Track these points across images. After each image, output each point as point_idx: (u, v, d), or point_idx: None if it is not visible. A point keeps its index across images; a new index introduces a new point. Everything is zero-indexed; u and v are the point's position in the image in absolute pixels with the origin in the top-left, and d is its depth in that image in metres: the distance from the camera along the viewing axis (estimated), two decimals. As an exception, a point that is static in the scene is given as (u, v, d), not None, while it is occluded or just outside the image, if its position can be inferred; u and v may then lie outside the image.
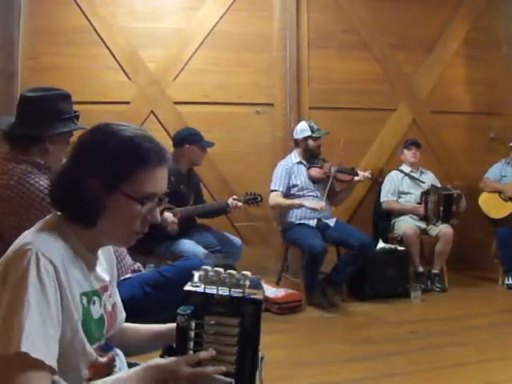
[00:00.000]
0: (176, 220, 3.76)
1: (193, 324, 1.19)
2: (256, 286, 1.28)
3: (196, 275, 1.29)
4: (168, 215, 3.72)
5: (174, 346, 1.22)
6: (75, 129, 2.20)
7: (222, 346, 1.20)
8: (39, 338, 1.05)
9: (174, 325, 1.44)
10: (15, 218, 2.02)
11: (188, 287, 1.23)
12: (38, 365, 1.04)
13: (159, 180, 1.25)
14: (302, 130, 4.73)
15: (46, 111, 2.16)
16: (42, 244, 1.13)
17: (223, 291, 1.22)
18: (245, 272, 1.25)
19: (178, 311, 1.18)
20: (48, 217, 1.27)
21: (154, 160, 1.23)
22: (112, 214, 1.22)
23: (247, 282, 1.24)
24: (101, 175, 1.20)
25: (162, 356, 1.22)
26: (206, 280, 1.24)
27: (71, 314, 1.15)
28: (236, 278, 1.24)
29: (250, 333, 1.21)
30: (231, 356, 1.21)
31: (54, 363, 1.07)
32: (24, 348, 1.02)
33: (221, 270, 1.25)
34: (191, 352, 1.19)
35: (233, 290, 1.22)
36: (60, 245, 1.18)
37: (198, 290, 1.22)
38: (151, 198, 1.25)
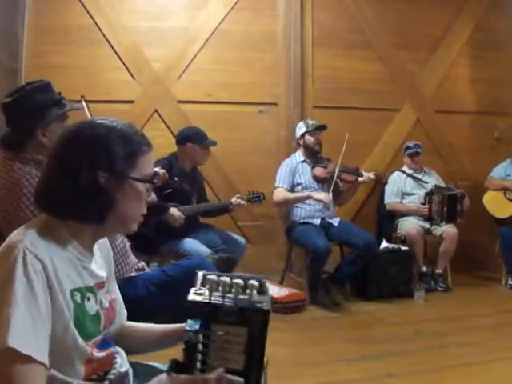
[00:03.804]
0: (182, 215, 3.78)
1: (200, 337, 1.18)
2: (262, 292, 1.27)
3: (199, 279, 1.28)
4: (174, 210, 3.74)
5: (181, 359, 1.20)
6: (60, 113, 2.18)
7: (228, 353, 1.20)
8: (27, 333, 1.06)
9: (180, 325, 1.44)
10: (11, 219, 2.00)
11: (193, 296, 1.22)
12: (27, 360, 1.05)
13: (151, 162, 1.37)
14: (298, 128, 4.81)
15: (28, 108, 2.15)
16: (29, 241, 1.15)
17: (229, 300, 1.21)
18: (251, 282, 1.25)
19: (186, 327, 1.18)
20: (40, 216, 1.29)
21: (146, 144, 1.33)
22: (124, 202, 1.28)
23: (254, 291, 1.24)
24: (110, 169, 1.25)
25: (168, 372, 1.19)
26: (210, 286, 1.23)
27: (61, 310, 1.16)
28: (242, 286, 1.24)
29: (257, 341, 1.20)
30: (238, 364, 1.20)
31: (43, 358, 1.08)
32: (11, 344, 1.03)
33: (227, 278, 1.24)
34: (198, 364, 1.18)
35: (239, 296, 1.22)
36: (50, 242, 1.20)
37: (203, 300, 1.20)
38: (153, 178, 1.35)
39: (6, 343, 1.03)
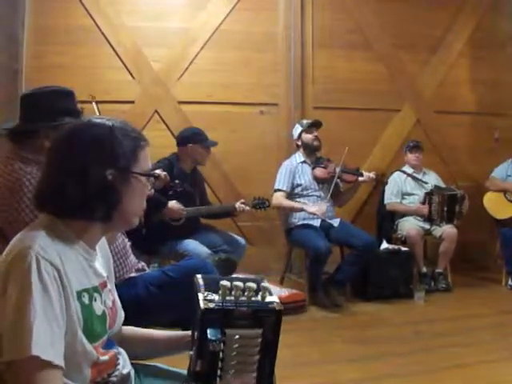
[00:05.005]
0: (182, 207, 3.78)
1: (222, 345, 1.18)
2: (270, 293, 1.27)
3: (200, 283, 1.28)
4: (172, 203, 3.75)
5: (197, 368, 1.20)
6: (66, 123, 2.16)
7: (244, 356, 1.20)
8: (47, 340, 1.09)
9: (185, 333, 1.44)
10: (12, 219, 2.00)
11: (205, 303, 1.19)
12: (48, 365, 1.08)
13: (149, 157, 1.38)
14: (295, 130, 4.80)
15: (42, 107, 2.14)
16: (40, 246, 1.15)
17: (241, 304, 1.20)
18: (263, 284, 1.26)
19: (209, 337, 1.16)
20: (41, 216, 1.28)
21: (143, 139, 1.36)
22: (129, 197, 1.30)
23: (266, 293, 1.24)
24: (116, 166, 1.26)
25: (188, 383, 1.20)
26: (223, 292, 1.22)
27: (71, 314, 1.16)
28: (254, 290, 1.23)
29: (271, 341, 1.21)
30: (253, 365, 1.21)
31: (61, 361, 1.11)
32: (34, 352, 1.06)
33: (240, 283, 1.23)
34: (219, 371, 1.19)
35: (252, 299, 1.22)
36: (58, 243, 1.20)
37: (216, 306, 1.19)
38: (152, 172, 1.39)
39: (30, 352, 1.06)
